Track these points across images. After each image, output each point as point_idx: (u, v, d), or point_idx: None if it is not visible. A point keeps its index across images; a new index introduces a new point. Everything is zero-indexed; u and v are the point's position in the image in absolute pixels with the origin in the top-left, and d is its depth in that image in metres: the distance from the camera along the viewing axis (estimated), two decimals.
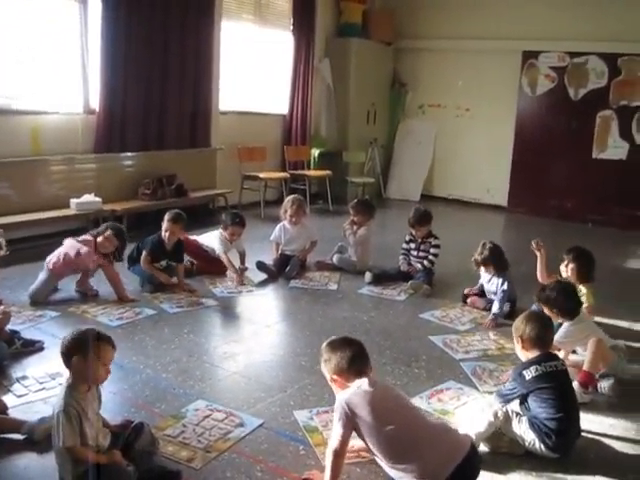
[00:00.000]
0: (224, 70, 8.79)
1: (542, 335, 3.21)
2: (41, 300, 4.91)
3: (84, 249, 4.96)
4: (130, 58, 7.30)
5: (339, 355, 2.78)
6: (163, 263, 5.55)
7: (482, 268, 5.19)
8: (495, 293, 5.13)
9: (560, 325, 3.97)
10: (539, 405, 3.08)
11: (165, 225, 5.48)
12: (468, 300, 5.39)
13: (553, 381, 3.09)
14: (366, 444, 2.71)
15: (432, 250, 5.96)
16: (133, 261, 5.53)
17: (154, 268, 5.45)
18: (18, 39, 6.52)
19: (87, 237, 5.07)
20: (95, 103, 7.20)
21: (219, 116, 8.79)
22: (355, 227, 6.28)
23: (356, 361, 2.76)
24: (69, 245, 5.04)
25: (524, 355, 3.28)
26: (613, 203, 9.65)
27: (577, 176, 9.89)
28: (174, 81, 7.91)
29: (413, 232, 6.04)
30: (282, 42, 9.85)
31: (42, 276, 5.00)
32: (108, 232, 5.03)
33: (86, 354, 2.66)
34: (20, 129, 6.52)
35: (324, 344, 2.89)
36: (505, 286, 5.03)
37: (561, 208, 10.04)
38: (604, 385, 3.76)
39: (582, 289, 4.51)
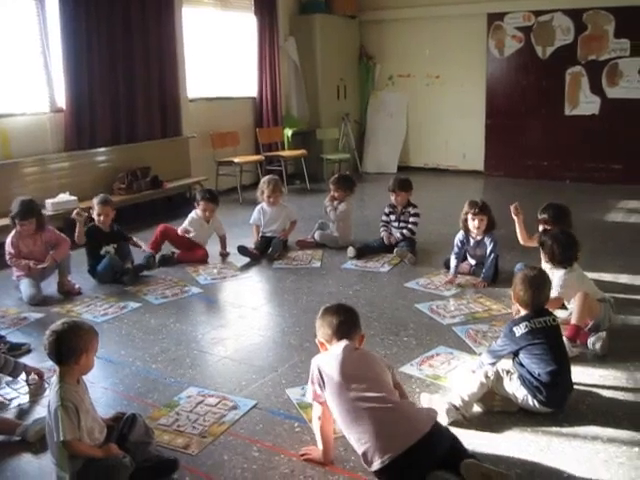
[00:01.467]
0: (189, 57, 8.71)
1: (533, 298, 3.22)
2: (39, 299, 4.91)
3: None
4: (93, 53, 7.20)
5: (327, 321, 2.81)
6: (109, 249, 5.43)
7: (473, 231, 5.14)
8: (483, 256, 5.14)
9: None
10: (531, 360, 3.10)
11: (97, 209, 5.43)
12: None
13: (543, 337, 3.11)
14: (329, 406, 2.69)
15: (412, 219, 5.97)
16: (93, 270, 5.43)
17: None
18: None
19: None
20: (61, 101, 7.11)
21: (188, 104, 8.72)
22: (336, 203, 6.27)
23: (341, 327, 2.77)
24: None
25: (517, 312, 3.34)
26: (589, 158, 9.70)
27: (551, 134, 9.93)
28: (140, 72, 7.83)
29: (393, 199, 6.03)
30: (245, 24, 9.76)
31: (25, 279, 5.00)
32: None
33: (90, 350, 2.70)
34: None
35: (321, 309, 2.92)
36: (495, 248, 5.04)
37: (538, 168, 10.09)
38: (595, 343, 3.76)
39: None
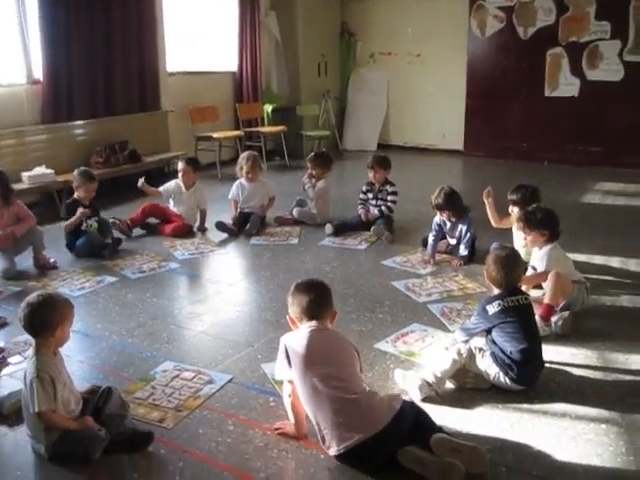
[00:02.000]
0: (169, 30, 8.62)
1: (505, 278, 3.26)
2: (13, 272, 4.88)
3: None
4: (71, 24, 7.10)
5: (298, 298, 2.80)
6: (92, 222, 5.39)
7: (443, 214, 5.18)
8: (459, 238, 5.18)
9: None
10: (503, 339, 3.15)
11: (81, 185, 5.37)
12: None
13: (515, 315, 3.16)
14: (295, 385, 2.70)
15: (390, 197, 5.99)
16: (71, 244, 5.39)
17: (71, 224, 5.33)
18: None
19: None
20: (38, 72, 7.01)
21: (167, 77, 8.65)
22: (314, 180, 6.27)
23: (311, 307, 2.77)
24: None
25: (491, 289, 3.38)
26: (567, 140, 9.74)
27: (531, 116, 9.95)
28: (118, 44, 7.75)
29: (371, 176, 6.04)
30: None
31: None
32: None
33: (65, 322, 2.71)
34: None
35: (292, 286, 2.90)
36: (469, 228, 5.08)
37: (517, 149, 10.13)
38: (557, 322, 3.80)
39: None
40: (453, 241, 5.28)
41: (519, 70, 9.94)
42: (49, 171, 6.62)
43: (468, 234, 5.07)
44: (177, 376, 3.33)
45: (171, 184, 5.98)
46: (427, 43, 10.70)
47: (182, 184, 5.98)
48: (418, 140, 11.22)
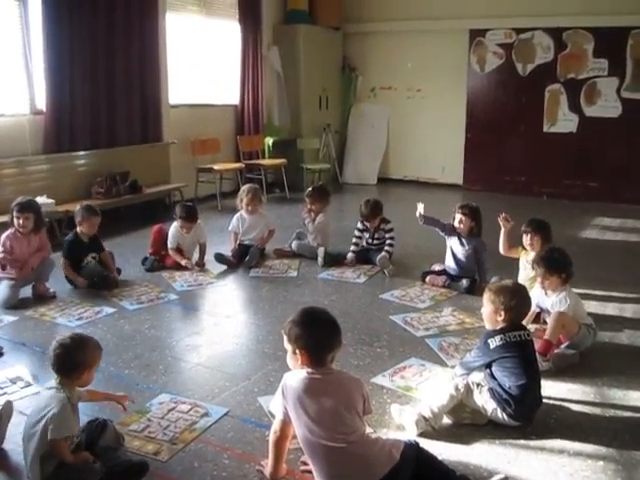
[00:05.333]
0: (172, 63, 8.72)
1: (523, 311, 3.31)
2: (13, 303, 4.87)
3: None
4: (75, 55, 7.19)
5: (315, 336, 2.62)
6: (89, 259, 5.37)
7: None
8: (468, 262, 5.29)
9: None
10: (502, 374, 3.15)
11: (84, 220, 5.33)
12: (427, 279, 5.45)
13: (517, 350, 3.16)
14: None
15: (388, 235, 5.99)
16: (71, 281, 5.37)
17: (72, 272, 5.30)
18: None
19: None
20: (41, 103, 7.09)
21: (170, 109, 8.72)
22: (313, 215, 6.29)
23: (326, 349, 2.62)
24: None
25: (493, 324, 3.32)
26: (565, 175, 9.84)
27: (529, 150, 10.06)
28: (121, 76, 7.83)
29: (367, 224, 6.05)
30: (229, 32, 9.78)
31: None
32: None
33: (94, 365, 2.78)
34: None
35: (303, 312, 2.71)
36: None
37: (515, 183, 10.20)
38: (554, 355, 3.81)
39: None
40: (454, 265, 5.35)
41: (518, 105, 10.06)
42: (50, 201, 6.64)
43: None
44: (173, 409, 3.31)
45: (174, 234, 5.86)
46: (427, 78, 10.82)
47: (181, 230, 5.93)
48: (418, 174, 11.29)
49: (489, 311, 3.34)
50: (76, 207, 5.51)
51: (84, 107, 7.40)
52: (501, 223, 5.07)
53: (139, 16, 7.97)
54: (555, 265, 4.08)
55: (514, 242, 5.04)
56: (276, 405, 2.65)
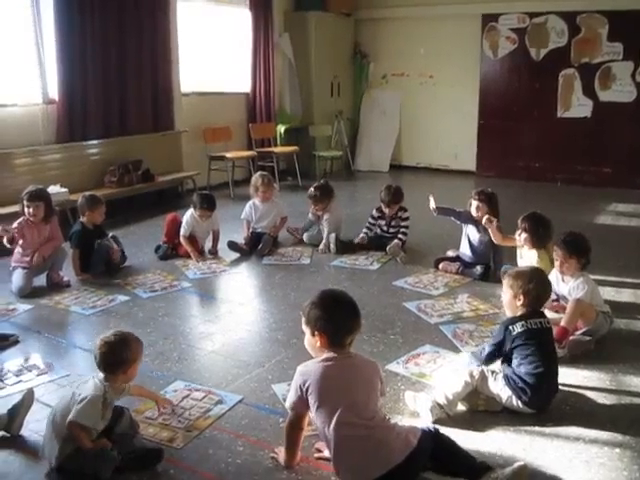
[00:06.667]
0: (183, 51, 8.69)
1: (543, 295, 3.28)
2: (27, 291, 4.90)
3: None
4: (86, 44, 7.18)
5: (337, 317, 2.59)
6: (96, 245, 5.37)
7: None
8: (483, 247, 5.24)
9: None
10: (519, 361, 3.12)
11: (92, 210, 5.36)
12: (440, 265, 5.43)
13: (536, 337, 3.13)
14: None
15: (403, 223, 5.97)
16: (86, 268, 5.35)
17: (78, 268, 5.28)
18: None
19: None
20: (54, 92, 7.09)
21: (181, 98, 8.70)
22: (321, 212, 6.26)
23: (349, 331, 2.61)
24: None
25: (513, 310, 3.30)
26: (579, 161, 9.75)
27: (543, 136, 9.96)
28: (133, 65, 7.82)
29: (385, 210, 5.98)
30: (240, 19, 9.75)
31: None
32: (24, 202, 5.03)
33: (137, 360, 2.86)
34: None
35: (323, 293, 2.70)
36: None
37: (529, 169, 10.13)
38: (569, 342, 3.79)
39: (537, 255, 4.54)
40: (469, 253, 5.33)
41: (531, 91, 9.97)
42: (63, 190, 6.66)
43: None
44: (187, 396, 3.32)
45: (188, 221, 5.83)
46: (439, 64, 10.73)
47: (199, 219, 5.92)
48: (430, 161, 11.23)
49: (509, 297, 3.32)
50: (79, 199, 5.52)
51: (96, 96, 7.39)
52: (486, 226, 5.02)
53: (150, 4, 7.94)
54: (575, 249, 4.06)
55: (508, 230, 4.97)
56: (291, 396, 2.63)
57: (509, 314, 3.34)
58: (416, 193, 6.93)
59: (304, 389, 2.55)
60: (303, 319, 2.67)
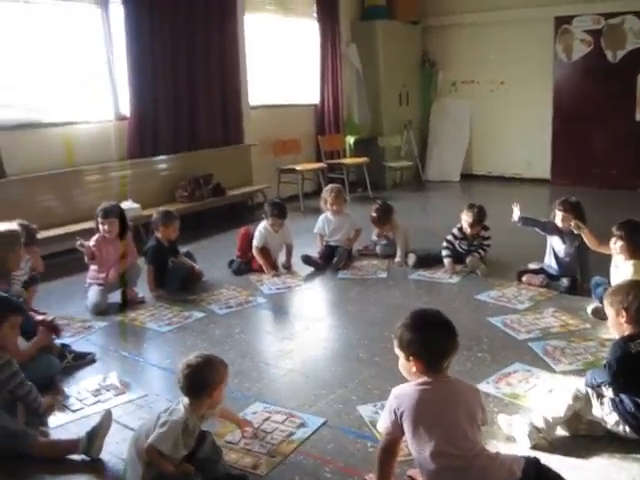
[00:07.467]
0: (251, 64, 8.68)
1: None
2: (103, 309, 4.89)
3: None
4: (156, 60, 7.22)
5: (432, 340, 2.42)
6: (171, 263, 5.35)
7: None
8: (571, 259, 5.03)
9: None
10: (632, 384, 2.85)
11: (167, 225, 5.34)
12: (523, 278, 5.19)
13: None
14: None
15: (485, 242, 5.73)
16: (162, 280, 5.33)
17: (153, 284, 5.25)
18: (43, 50, 6.47)
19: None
20: (125, 109, 7.15)
21: (250, 111, 8.67)
22: (386, 233, 6.17)
23: (444, 356, 2.43)
24: None
25: (620, 330, 3.03)
26: None
27: (621, 141, 9.58)
28: (202, 80, 7.82)
29: (467, 229, 5.66)
30: (307, 30, 9.70)
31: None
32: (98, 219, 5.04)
33: (222, 383, 2.75)
34: (53, 141, 6.50)
35: (415, 314, 2.52)
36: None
37: (607, 176, 9.74)
38: None
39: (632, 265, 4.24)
40: (556, 267, 5.11)
41: (608, 94, 9.58)
42: (136, 205, 6.67)
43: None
44: (268, 418, 3.20)
45: (261, 233, 5.74)
46: (510, 70, 10.44)
47: (271, 229, 5.83)
48: (503, 169, 10.93)
49: (612, 316, 3.06)
50: (153, 214, 5.50)
51: (166, 111, 7.43)
52: (575, 231, 4.80)
53: (218, 18, 7.94)
54: None
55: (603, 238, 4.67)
56: (384, 421, 2.47)
57: (617, 334, 3.07)
58: (490, 203, 6.71)
59: (398, 414, 2.39)
60: (395, 342, 2.50)
